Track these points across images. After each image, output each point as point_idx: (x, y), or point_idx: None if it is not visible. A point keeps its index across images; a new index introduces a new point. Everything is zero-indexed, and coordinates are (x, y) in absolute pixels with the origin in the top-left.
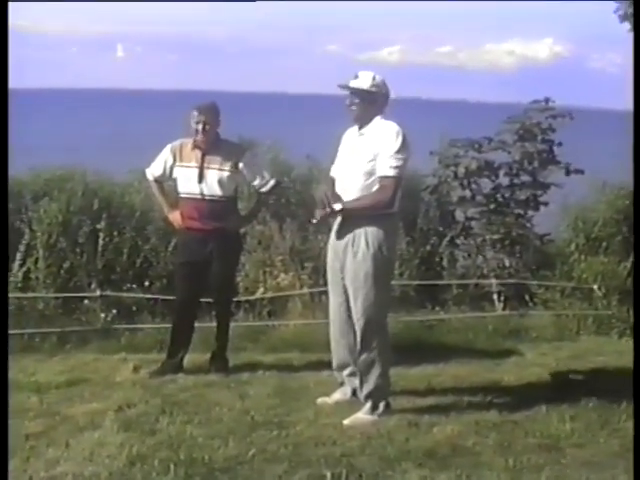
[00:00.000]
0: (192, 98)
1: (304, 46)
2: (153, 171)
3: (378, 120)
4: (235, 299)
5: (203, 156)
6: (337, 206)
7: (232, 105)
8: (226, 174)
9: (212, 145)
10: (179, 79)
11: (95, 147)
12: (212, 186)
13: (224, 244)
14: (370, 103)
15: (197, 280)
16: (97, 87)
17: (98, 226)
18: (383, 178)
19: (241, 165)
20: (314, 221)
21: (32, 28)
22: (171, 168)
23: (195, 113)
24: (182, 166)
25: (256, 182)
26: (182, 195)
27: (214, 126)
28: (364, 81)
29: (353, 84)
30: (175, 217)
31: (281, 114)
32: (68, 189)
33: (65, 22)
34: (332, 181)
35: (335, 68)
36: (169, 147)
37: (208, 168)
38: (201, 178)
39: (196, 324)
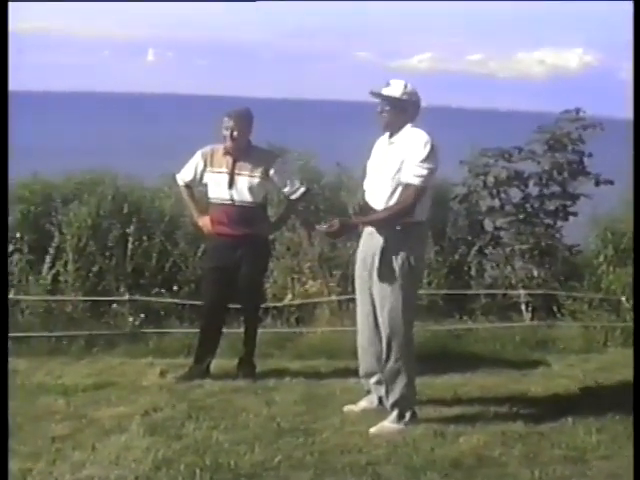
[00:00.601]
0: (223, 104)
1: (335, 52)
2: (184, 176)
3: (408, 128)
4: (263, 305)
5: (234, 162)
6: (365, 219)
7: (262, 111)
8: (256, 180)
9: (243, 151)
10: (210, 84)
11: (126, 151)
12: (242, 192)
13: (253, 250)
14: (401, 111)
15: (225, 285)
16: (128, 91)
17: (127, 230)
18: (406, 186)
19: (272, 172)
20: (322, 228)
21: (65, 31)
22: (202, 173)
23: (225, 119)
24: (213, 172)
25: (286, 189)
26: (212, 200)
27: (245, 133)
28: (396, 89)
29: (385, 92)
30: (205, 222)
31: (312, 121)
32: (98, 193)
33: (97, 26)
34: (363, 192)
35: (366, 75)
36: (200, 153)
37: (239, 174)
38: (231, 184)
39: (224, 330)
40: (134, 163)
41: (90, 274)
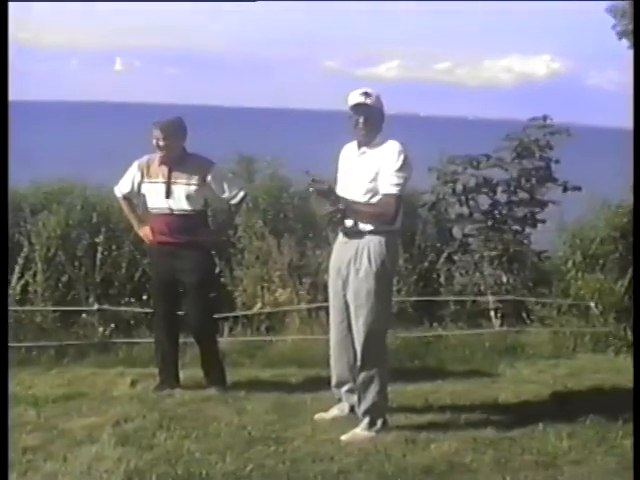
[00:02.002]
0: (191, 112)
1: (303, 61)
2: (121, 188)
3: (379, 138)
4: (233, 314)
5: (169, 171)
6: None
7: (231, 120)
8: (193, 188)
9: (178, 160)
10: (178, 93)
11: (95, 160)
12: (180, 200)
13: (195, 258)
14: (372, 120)
15: (172, 295)
16: (97, 100)
17: (97, 240)
18: (385, 196)
19: (209, 178)
20: (323, 215)
21: (32, 41)
22: (139, 185)
23: (155, 129)
24: (150, 182)
25: (225, 195)
26: (151, 210)
27: (177, 141)
28: (367, 98)
29: (359, 100)
30: (145, 232)
31: (281, 129)
32: (67, 202)
33: (65, 35)
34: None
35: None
36: (136, 164)
37: (175, 183)
38: (169, 193)
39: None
40: (103, 172)
41: (59, 284)
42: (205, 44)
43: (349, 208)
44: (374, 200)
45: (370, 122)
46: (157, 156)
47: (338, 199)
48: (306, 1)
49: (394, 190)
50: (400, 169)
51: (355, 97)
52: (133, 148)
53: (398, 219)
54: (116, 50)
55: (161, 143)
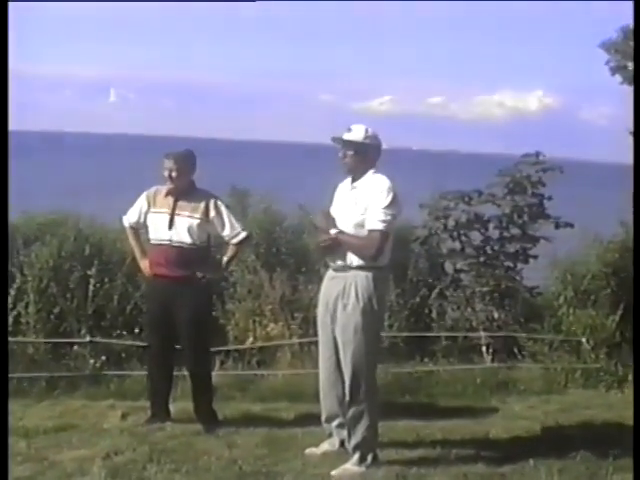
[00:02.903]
0: (186, 144)
1: (298, 94)
2: (129, 218)
3: (370, 174)
4: (224, 348)
5: (175, 203)
6: (333, 230)
7: (227, 153)
8: (196, 222)
9: (185, 192)
10: (173, 125)
11: (88, 192)
12: (181, 233)
13: (191, 293)
14: (363, 156)
15: (167, 328)
16: (90, 131)
17: (89, 272)
18: (371, 231)
19: (212, 214)
20: (316, 242)
21: (25, 71)
22: (145, 215)
23: (165, 160)
24: (155, 212)
25: (225, 233)
26: (152, 242)
27: (186, 174)
28: (357, 134)
29: (346, 137)
30: (145, 265)
31: (275, 163)
32: (60, 234)
33: (58, 65)
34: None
35: (328, 117)
36: (145, 194)
37: (179, 215)
38: (171, 225)
39: (185, 372)
40: (96, 204)
41: (51, 316)
42: (201, 76)
43: (340, 237)
44: (361, 234)
45: (356, 157)
46: (165, 187)
47: (334, 223)
48: (302, 33)
49: (380, 226)
50: (388, 206)
51: (342, 132)
52: (127, 179)
53: (385, 255)
54: (111, 81)
55: (173, 174)
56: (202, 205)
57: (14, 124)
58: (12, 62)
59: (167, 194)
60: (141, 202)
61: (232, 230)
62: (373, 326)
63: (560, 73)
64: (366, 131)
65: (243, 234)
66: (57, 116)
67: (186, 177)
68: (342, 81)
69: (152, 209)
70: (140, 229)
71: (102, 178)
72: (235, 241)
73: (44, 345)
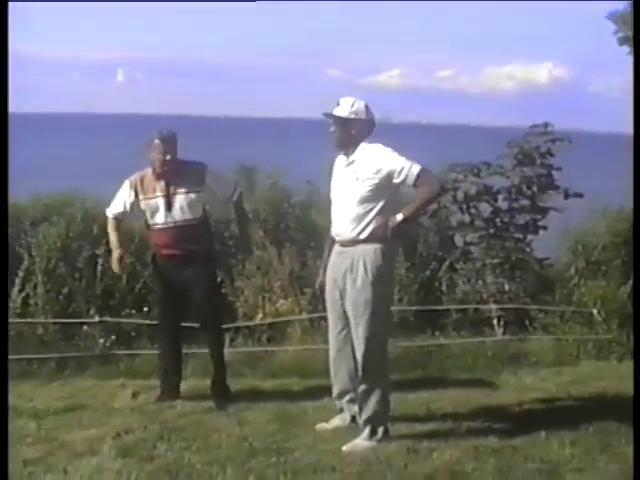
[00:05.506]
0: (193, 123)
1: (305, 71)
2: (113, 209)
3: (364, 145)
4: (234, 325)
5: (167, 185)
6: (399, 217)
7: (234, 130)
8: (194, 196)
9: (175, 172)
10: (180, 104)
11: (95, 172)
12: (183, 211)
13: (203, 267)
14: (351, 130)
15: (179, 306)
16: (98, 112)
17: (97, 252)
18: (418, 177)
19: (207, 181)
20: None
21: (32, 53)
22: (132, 204)
23: (157, 143)
24: (148, 198)
25: (227, 193)
26: (154, 226)
27: (175, 154)
28: (343, 108)
29: (336, 112)
30: (117, 255)
31: (282, 139)
32: (67, 214)
33: (67, 48)
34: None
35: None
36: (127, 183)
37: (175, 194)
38: (169, 206)
39: (195, 350)
40: (103, 184)
41: (60, 296)
42: (207, 55)
43: (409, 213)
44: (365, 209)
45: (344, 131)
46: (148, 171)
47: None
48: (308, 10)
49: (416, 168)
50: (396, 154)
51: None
52: (135, 160)
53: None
54: (118, 62)
55: (167, 158)
56: (195, 176)
57: (22, 107)
58: (20, 45)
59: (157, 178)
60: (125, 192)
61: (229, 188)
62: (383, 300)
63: (570, 44)
64: (352, 105)
65: (238, 189)
66: (65, 98)
67: (175, 158)
68: (350, 56)
69: (142, 196)
70: (125, 219)
71: (109, 158)
72: (236, 196)
73: (53, 326)
